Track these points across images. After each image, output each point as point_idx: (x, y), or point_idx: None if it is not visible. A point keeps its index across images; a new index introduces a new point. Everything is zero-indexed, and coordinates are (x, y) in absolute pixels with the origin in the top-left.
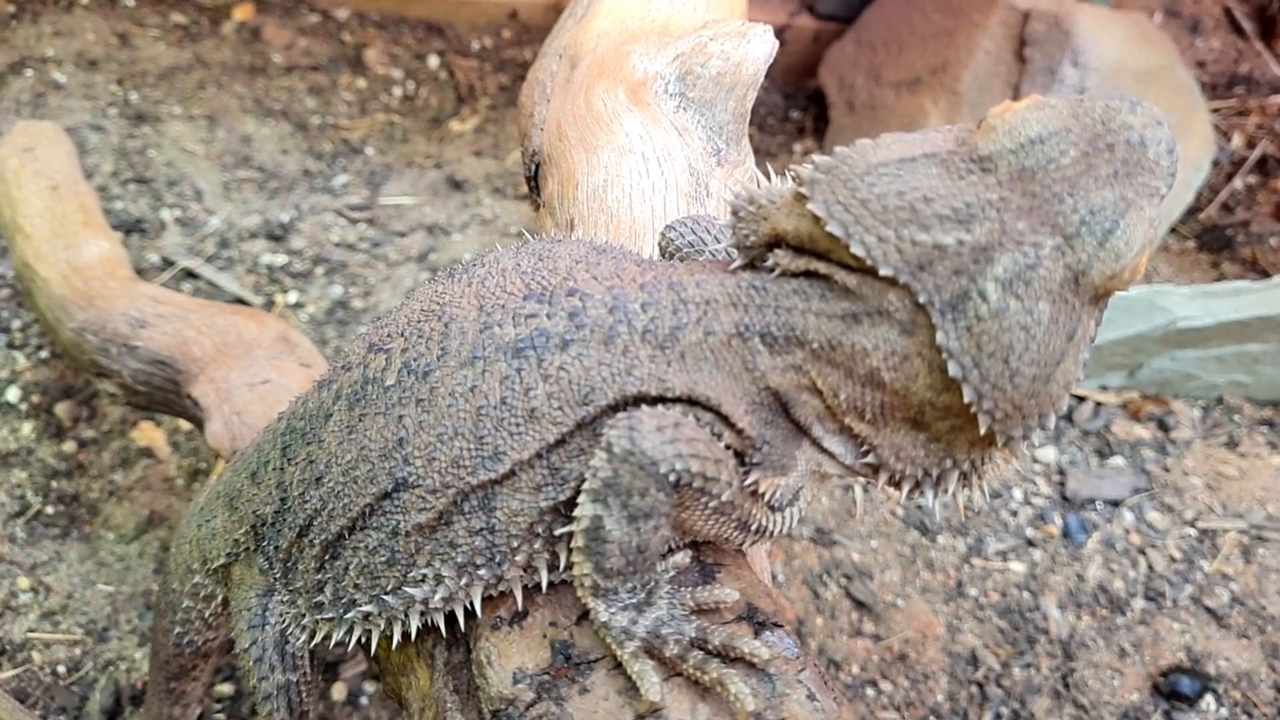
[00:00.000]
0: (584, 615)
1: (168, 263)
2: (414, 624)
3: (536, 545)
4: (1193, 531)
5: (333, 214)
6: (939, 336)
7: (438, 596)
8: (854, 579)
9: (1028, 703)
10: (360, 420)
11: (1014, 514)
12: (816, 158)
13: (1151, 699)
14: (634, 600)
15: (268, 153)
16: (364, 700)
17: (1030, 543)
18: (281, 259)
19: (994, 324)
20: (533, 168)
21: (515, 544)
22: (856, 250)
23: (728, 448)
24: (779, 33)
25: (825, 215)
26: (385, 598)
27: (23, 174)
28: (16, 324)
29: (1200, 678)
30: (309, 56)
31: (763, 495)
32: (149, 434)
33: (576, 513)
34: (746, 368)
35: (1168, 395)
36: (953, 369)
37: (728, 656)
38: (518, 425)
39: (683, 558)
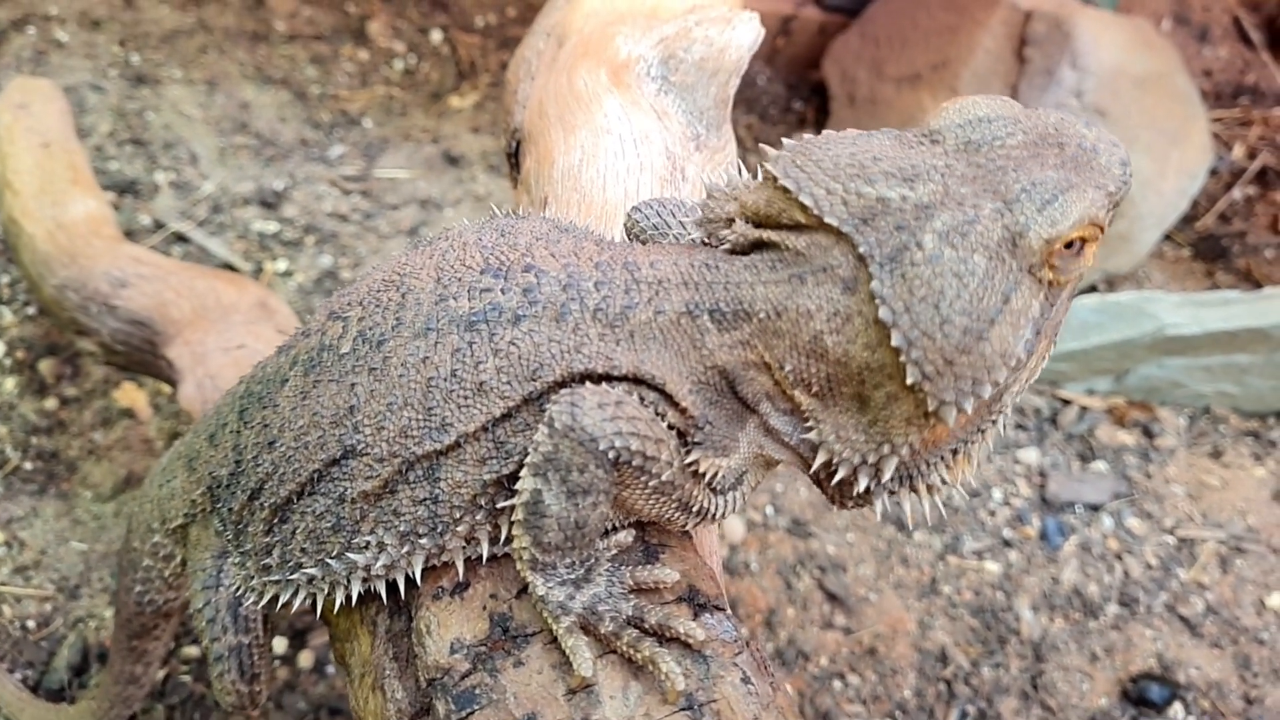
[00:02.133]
0: (525, 589)
1: (159, 225)
2: (355, 589)
3: (479, 517)
4: (1171, 539)
5: (327, 184)
6: (874, 285)
7: (379, 563)
8: (828, 571)
9: (995, 702)
10: (314, 386)
11: (992, 514)
12: (785, 140)
13: (1120, 704)
14: (572, 576)
15: (265, 120)
16: (330, 669)
17: (1007, 543)
18: (273, 226)
19: (927, 269)
20: (514, 144)
21: (458, 515)
22: (805, 200)
23: (671, 427)
24: (785, 23)
25: (780, 175)
26: (329, 562)
27: (15, 130)
28: (4, 280)
29: (1169, 685)
30: (312, 25)
31: (703, 476)
32: (131, 395)
33: (518, 486)
34: (694, 346)
35: (1154, 402)
36: (883, 313)
37: (664, 636)
38: (466, 398)
39: (625, 536)
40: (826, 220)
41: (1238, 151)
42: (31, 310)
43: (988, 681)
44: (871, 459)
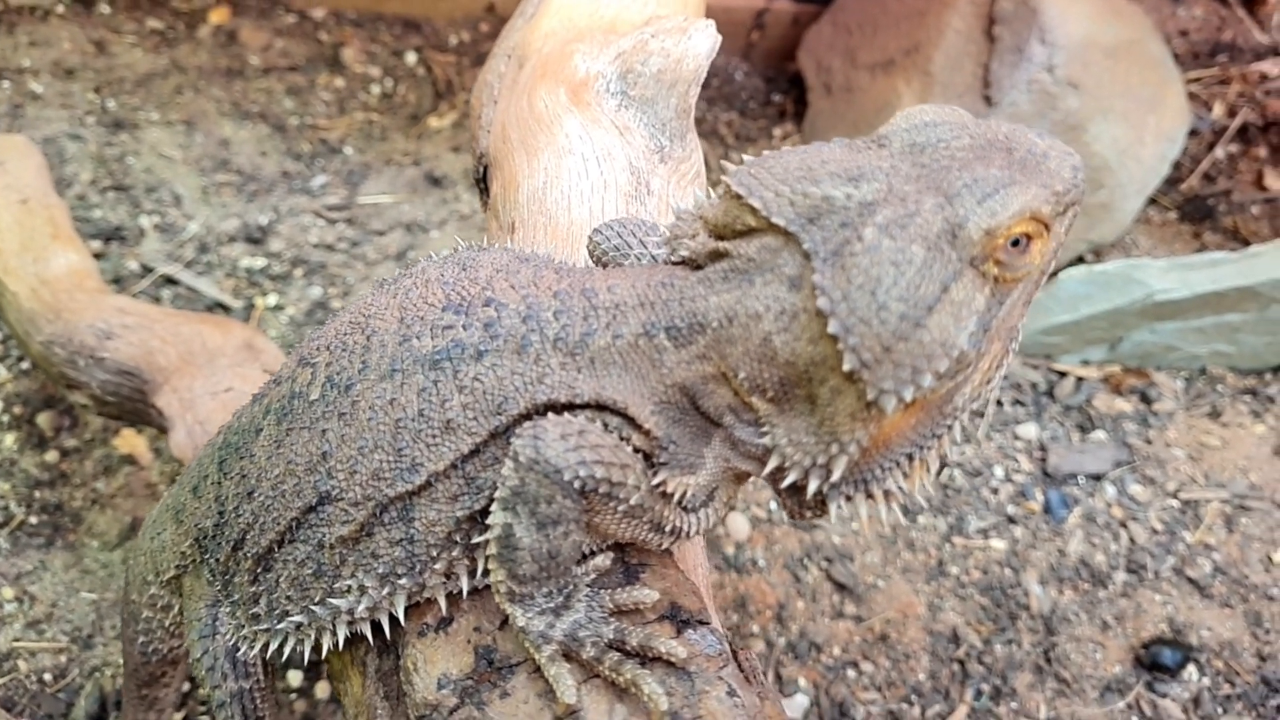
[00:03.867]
0: (507, 620)
1: (147, 269)
2: (341, 634)
3: (455, 553)
4: (1175, 503)
5: (311, 215)
6: (815, 278)
7: (362, 607)
8: (835, 561)
9: (1009, 678)
10: (287, 434)
11: (995, 491)
12: (746, 156)
13: (1134, 671)
14: (551, 604)
15: (246, 155)
16: None
17: (1011, 520)
18: (260, 262)
19: (865, 259)
20: (481, 170)
21: (435, 553)
22: (754, 203)
23: (636, 450)
24: (758, 16)
25: (735, 185)
26: (314, 608)
27: None
28: None
29: (1182, 648)
30: (286, 57)
31: (672, 496)
32: (130, 441)
33: (489, 521)
34: (654, 366)
35: (1150, 368)
36: (821, 302)
37: (646, 657)
38: (434, 437)
39: (603, 560)
40: (774, 221)
41: (1218, 110)
42: (26, 365)
43: (1001, 658)
44: (821, 460)
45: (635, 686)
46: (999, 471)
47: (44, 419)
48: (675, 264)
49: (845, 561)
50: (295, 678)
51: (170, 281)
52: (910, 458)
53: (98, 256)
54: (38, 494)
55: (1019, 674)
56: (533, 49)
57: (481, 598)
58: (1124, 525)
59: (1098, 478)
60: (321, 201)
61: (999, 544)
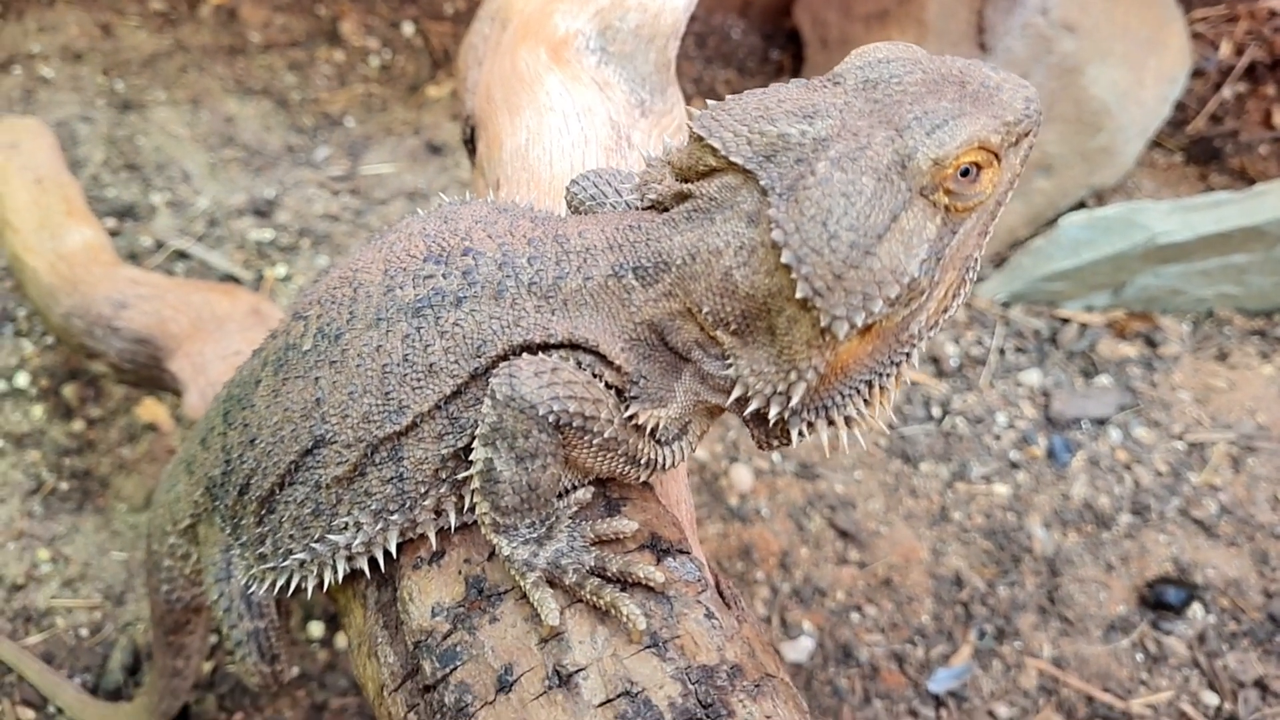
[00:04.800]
0: (494, 552)
1: (160, 245)
2: (341, 568)
3: (443, 489)
4: (1180, 445)
5: (316, 186)
6: (771, 212)
7: (358, 541)
8: (838, 509)
9: (1013, 619)
10: (284, 384)
11: (997, 438)
12: (710, 101)
13: (1138, 610)
14: (534, 535)
15: (251, 131)
16: None
17: (1014, 465)
18: (269, 234)
19: (818, 191)
20: (468, 131)
21: (423, 489)
22: (714, 143)
23: (609, 386)
24: None
25: (697, 127)
26: (314, 545)
27: (9, 169)
28: (22, 313)
29: (1187, 587)
30: (286, 33)
31: (645, 428)
32: (152, 409)
33: (471, 457)
34: (623, 305)
35: (1155, 311)
36: (776, 235)
37: (626, 582)
38: (419, 380)
39: (584, 494)
40: (733, 159)
41: (1225, 49)
42: (50, 340)
43: (1004, 600)
44: (781, 387)
45: (615, 609)
46: (1001, 418)
47: (70, 390)
48: (645, 209)
49: (848, 509)
50: (317, 629)
51: (183, 255)
52: (870, 385)
53: (113, 234)
54: (67, 461)
55: (1023, 615)
56: (515, 10)
57: (470, 532)
58: (1128, 468)
59: (1102, 422)
60: (325, 173)
61: (1002, 489)
